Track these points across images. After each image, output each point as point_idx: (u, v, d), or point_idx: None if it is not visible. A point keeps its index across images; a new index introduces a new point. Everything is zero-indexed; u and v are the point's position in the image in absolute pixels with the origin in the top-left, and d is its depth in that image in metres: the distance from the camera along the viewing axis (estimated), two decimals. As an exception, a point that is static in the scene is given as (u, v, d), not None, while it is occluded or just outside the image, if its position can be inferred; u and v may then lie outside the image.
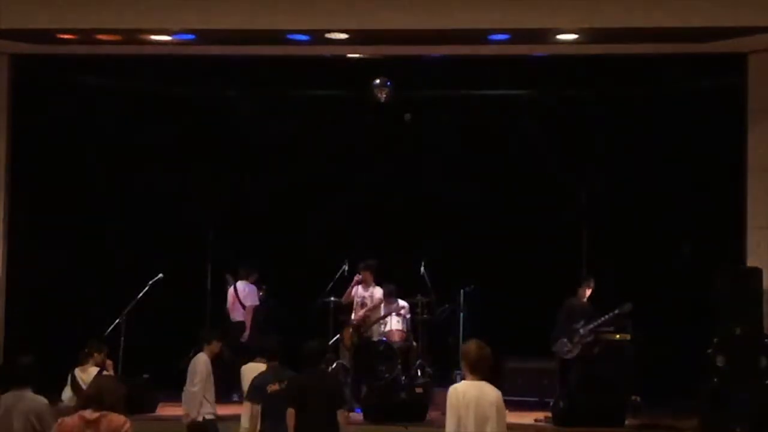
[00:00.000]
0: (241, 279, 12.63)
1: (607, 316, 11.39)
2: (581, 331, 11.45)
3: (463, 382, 7.34)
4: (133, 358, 11.32)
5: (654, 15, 10.28)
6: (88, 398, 5.95)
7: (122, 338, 11.27)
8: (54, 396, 10.05)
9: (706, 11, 10.18)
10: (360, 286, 12.32)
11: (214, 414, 9.54)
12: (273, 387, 8.15)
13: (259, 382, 8.30)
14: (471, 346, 7.30)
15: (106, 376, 9.37)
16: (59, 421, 5.97)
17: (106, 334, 11.25)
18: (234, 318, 12.60)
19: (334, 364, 12.01)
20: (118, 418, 5.83)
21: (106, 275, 12.59)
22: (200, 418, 9.38)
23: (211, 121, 13.38)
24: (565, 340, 11.50)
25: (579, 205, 13.14)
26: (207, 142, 13.42)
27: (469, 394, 7.13)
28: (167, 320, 12.46)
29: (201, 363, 9.44)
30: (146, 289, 11.51)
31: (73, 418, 5.86)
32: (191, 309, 12.96)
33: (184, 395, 9.55)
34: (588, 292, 11.70)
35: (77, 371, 10.85)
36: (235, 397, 11.30)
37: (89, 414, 5.80)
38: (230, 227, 13.44)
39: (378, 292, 12.22)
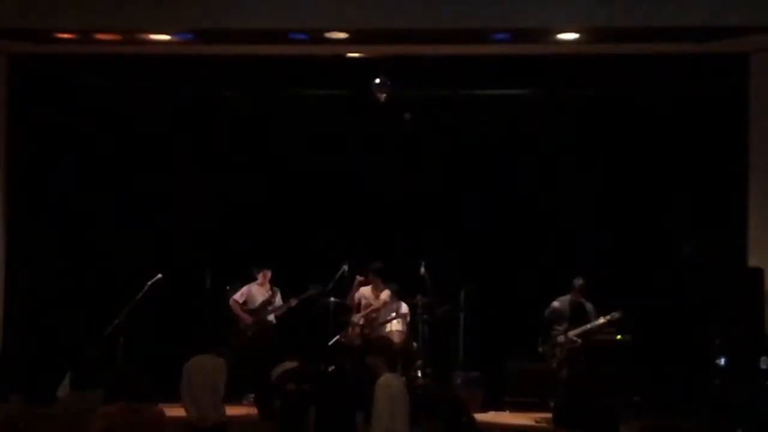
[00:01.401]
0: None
1: (593, 324, 11.38)
2: (560, 337, 11.45)
3: (389, 375, 7.47)
4: (131, 359, 11.29)
5: (655, 14, 10.27)
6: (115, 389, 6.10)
7: (121, 339, 11.25)
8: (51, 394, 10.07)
9: (708, 11, 10.16)
10: (367, 289, 12.30)
11: None
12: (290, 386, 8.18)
13: None
14: (396, 342, 7.54)
15: (128, 367, 9.49)
16: (102, 410, 6.08)
17: (105, 334, 11.22)
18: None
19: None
20: (156, 407, 6.03)
21: (104, 276, 12.55)
22: (219, 422, 9.48)
23: (210, 120, 13.35)
24: (548, 345, 11.54)
25: (579, 204, 13.10)
26: (206, 141, 13.40)
27: (398, 388, 7.31)
28: (166, 321, 12.44)
29: (222, 367, 9.51)
30: (145, 289, 11.48)
31: (115, 406, 5.99)
32: (191, 310, 12.91)
33: (197, 398, 9.53)
34: (577, 292, 11.65)
35: None
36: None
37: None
38: (229, 227, 13.41)
39: (385, 294, 12.21)
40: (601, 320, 11.37)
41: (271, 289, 12.51)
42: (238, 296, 12.44)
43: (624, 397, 10.99)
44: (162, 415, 6.12)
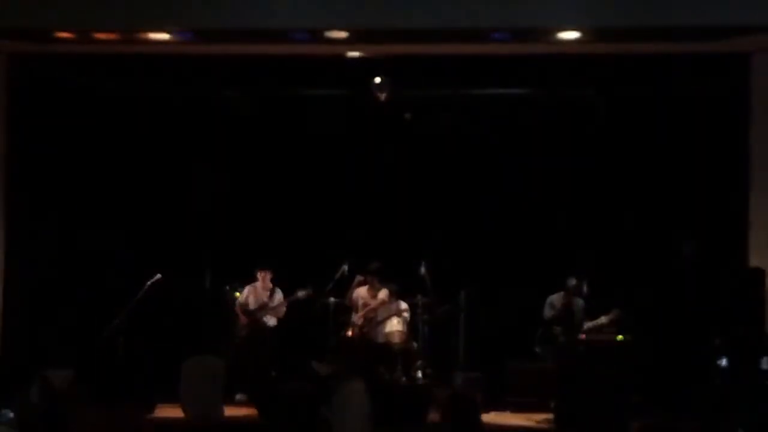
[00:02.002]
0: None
1: (595, 323, 11.40)
2: (561, 338, 11.48)
3: (352, 379, 7.38)
4: (131, 359, 11.29)
5: (655, 15, 10.25)
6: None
7: (121, 339, 11.25)
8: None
9: (708, 11, 10.14)
10: (363, 289, 12.29)
11: None
12: None
13: None
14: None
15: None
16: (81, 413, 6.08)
17: (105, 334, 11.22)
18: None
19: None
20: (135, 409, 6.06)
21: (104, 276, 12.54)
22: (218, 421, 9.55)
23: (210, 120, 13.34)
24: (546, 345, 11.56)
25: (579, 204, 13.09)
26: (206, 141, 13.39)
27: (361, 392, 7.22)
28: (166, 321, 12.43)
29: (220, 367, 9.59)
30: (145, 289, 11.48)
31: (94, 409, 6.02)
32: (191, 310, 12.92)
33: (195, 398, 9.55)
34: (569, 293, 11.66)
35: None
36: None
37: None
38: (229, 227, 13.40)
39: (383, 293, 12.21)
40: (602, 319, 11.39)
41: (272, 289, 12.48)
42: (242, 298, 12.46)
43: (624, 397, 10.96)
44: (140, 418, 6.11)
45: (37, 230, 12.17)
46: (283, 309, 12.40)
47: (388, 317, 12.17)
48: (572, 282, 11.64)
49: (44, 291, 12.12)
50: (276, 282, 12.51)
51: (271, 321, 12.45)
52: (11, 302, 11.74)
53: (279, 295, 12.44)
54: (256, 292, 12.47)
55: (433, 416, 10.65)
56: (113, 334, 11.25)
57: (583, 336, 11.47)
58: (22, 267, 11.87)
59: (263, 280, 12.44)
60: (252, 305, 12.42)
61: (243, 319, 12.40)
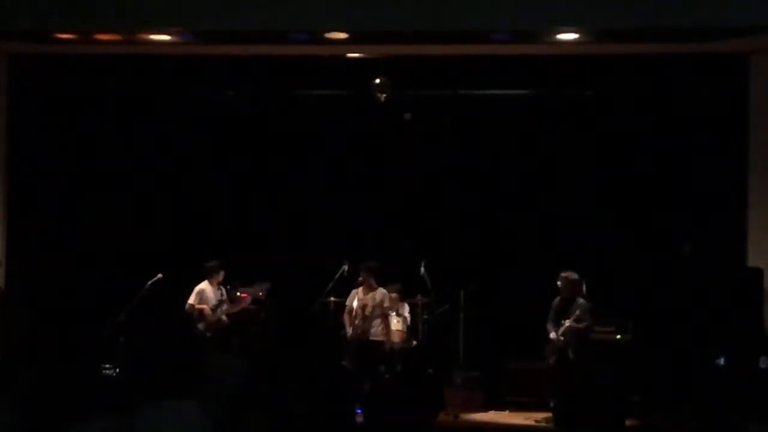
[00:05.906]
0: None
1: (570, 322, 11.41)
2: (552, 335, 11.50)
3: None
4: (132, 359, 11.28)
5: (655, 15, 10.27)
6: None
7: (121, 339, 11.26)
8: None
9: (708, 11, 10.16)
10: (359, 290, 12.24)
11: None
12: None
13: None
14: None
15: None
16: None
17: (105, 334, 11.23)
18: None
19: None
20: None
21: (105, 275, 12.56)
22: None
23: (210, 120, 13.35)
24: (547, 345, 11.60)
25: (579, 204, 13.11)
26: (206, 141, 13.40)
27: None
28: (166, 321, 12.42)
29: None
30: (146, 289, 11.49)
31: None
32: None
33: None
34: (563, 289, 11.68)
35: None
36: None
37: None
38: (230, 227, 13.42)
39: (379, 294, 12.13)
40: (576, 315, 11.36)
41: (219, 288, 12.13)
42: (194, 299, 12.02)
43: (623, 396, 10.98)
44: None
45: (38, 229, 12.19)
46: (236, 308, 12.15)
47: (379, 315, 12.13)
48: (561, 275, 11.65)
49: (44, 291, 12.14)
50: (275, 282, 12.50)
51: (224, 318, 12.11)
52: (13, 301, 11.76)
53: (224, 295, 12.08)
54: (211, 292, 12.23)
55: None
56: (113, 334, 11.25)
57: (564, 337, 11.46)
58: (21, 267, 11.89)
59: (217, 279, 12.13)
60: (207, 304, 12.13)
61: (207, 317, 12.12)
